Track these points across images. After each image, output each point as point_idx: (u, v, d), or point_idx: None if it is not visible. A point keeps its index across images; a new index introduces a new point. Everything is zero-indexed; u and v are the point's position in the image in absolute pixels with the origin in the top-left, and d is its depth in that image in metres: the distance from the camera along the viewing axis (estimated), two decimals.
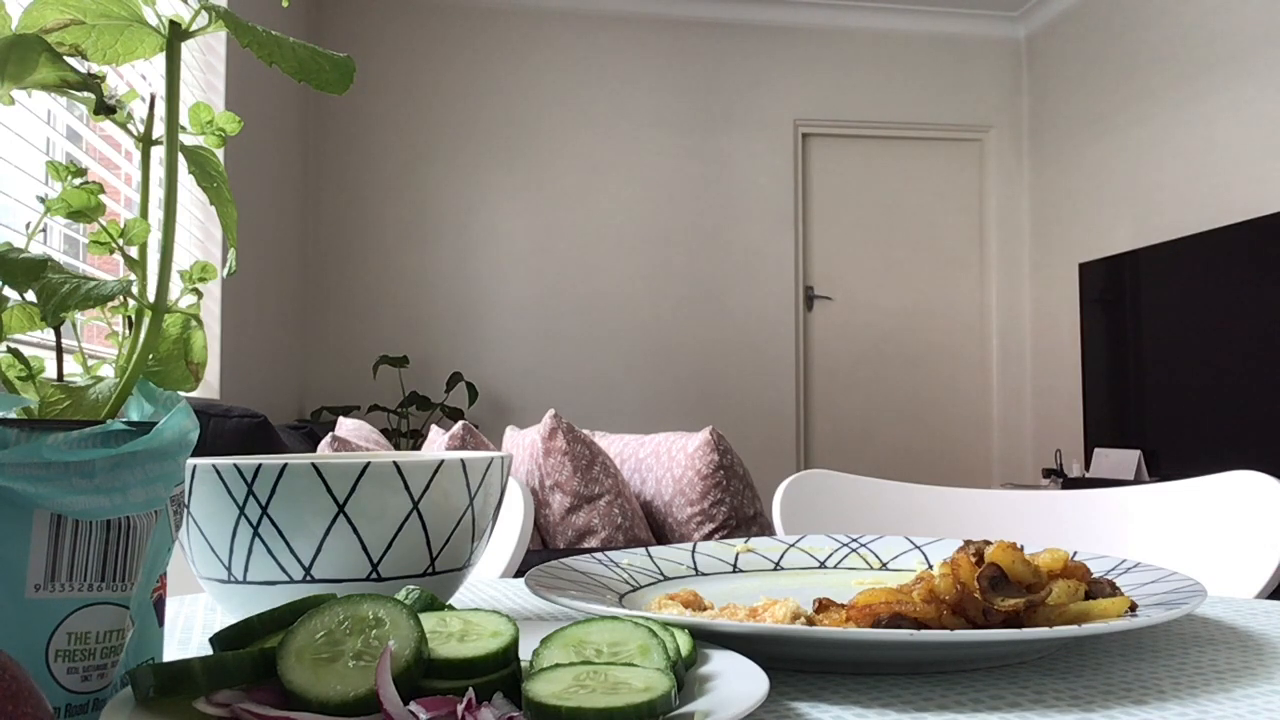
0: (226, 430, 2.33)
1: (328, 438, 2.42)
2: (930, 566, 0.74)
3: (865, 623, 0.51)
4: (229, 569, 0.55)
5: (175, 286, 0.49)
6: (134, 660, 0.42)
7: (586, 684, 0.39)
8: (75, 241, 2.78)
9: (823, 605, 0.56)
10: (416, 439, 5.03)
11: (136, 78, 3.05)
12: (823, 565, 0.78)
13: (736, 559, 0.78)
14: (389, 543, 0.55)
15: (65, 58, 0.43)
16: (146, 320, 0.46)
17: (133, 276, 0.47)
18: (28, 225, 0.50)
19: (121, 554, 0.40)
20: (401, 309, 5.35)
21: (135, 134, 0.48)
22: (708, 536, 2.57)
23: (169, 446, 0.41)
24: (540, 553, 2.22)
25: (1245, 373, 3.99)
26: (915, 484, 1.24)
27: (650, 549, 0.76)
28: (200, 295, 0.51)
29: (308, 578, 0.55)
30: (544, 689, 0.38)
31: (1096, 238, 5.22)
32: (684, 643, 0.45)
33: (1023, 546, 0.56)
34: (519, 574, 1.15)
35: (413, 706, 0.36)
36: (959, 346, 5.90)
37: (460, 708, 0.37)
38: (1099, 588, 0.57)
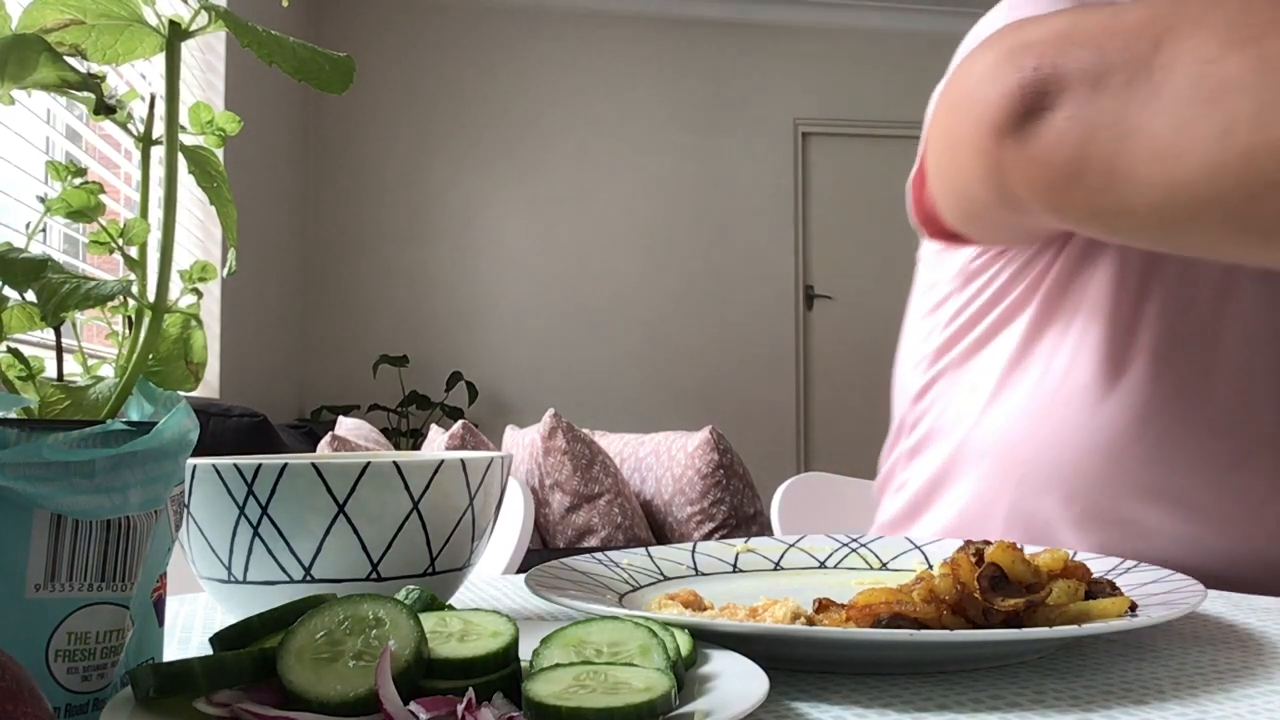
0: (226, 430, 2.33)
1: (328, 437, 2.42)
2: (930, 566, 0.74)
3: (865, 623, 0.51)
4: (229, 569, 0.55)
5: (175, 286, 0.49)
6: (134, 660, 0.42)
7: (586, 684, 0.39)
8: (75, 241, 2.78)
9: (823, 605, 0.56)
10: (416, 439, 5.03)
11: (136, 78, 3.05)
12: (823, 565, 0.78)
13: (736, 559, 0.78)
14: (389, 543, 0.55)
15: (65, 58, 0.43)
16: (146, 320, 0.46)
17: (133, 276, 0.47)
18: (28, 225, 0.50)
19: (121, 554, 0.40)
20: (401, 309, 5.35)
21: (135, 134, 0.48)
22: (708, 536, 2.57)
23: (169, 446, 0.41)
24: (540, 552, 2.22)
25: None
26: None
27: (650, 549, 0.76)
28: (200, 295, 0.51)
29: (308, 578, 0.55)
30: (544, 689, 0.38)
31: None
32: (684, 643, 0.45)
33: (1023, 546, 0.56)
34: (519, 573, 1.15)
35: (413, 706, 0.36)
36: None
37: (460, 708, 0.37)
38: (1099, 588, 0.57)
